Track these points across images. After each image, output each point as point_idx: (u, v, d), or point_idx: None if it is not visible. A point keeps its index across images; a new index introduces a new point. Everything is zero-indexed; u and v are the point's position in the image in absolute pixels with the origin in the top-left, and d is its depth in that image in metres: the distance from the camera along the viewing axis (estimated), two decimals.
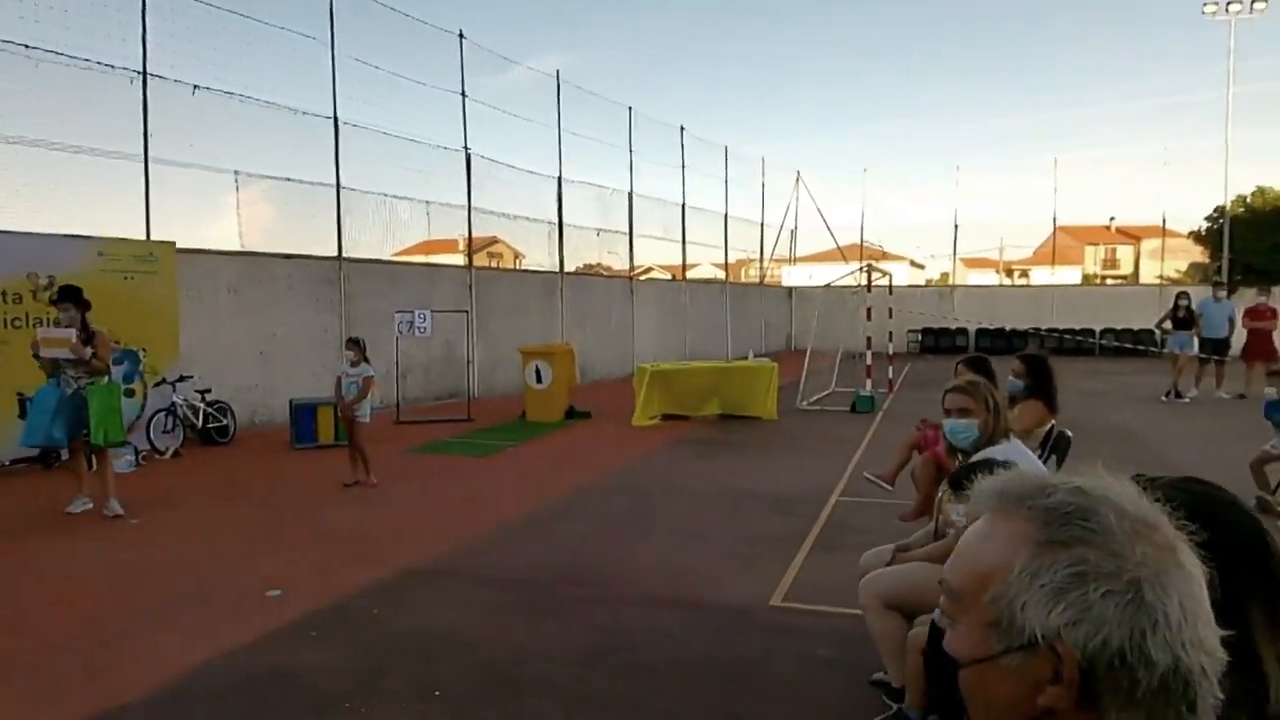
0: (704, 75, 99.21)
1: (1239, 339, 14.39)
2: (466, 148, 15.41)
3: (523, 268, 19.43)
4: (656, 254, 24.04)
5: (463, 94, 15.25)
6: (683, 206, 23.22)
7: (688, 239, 23.65)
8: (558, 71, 17.88)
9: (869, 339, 14.02)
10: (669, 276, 24.64)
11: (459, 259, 16.38)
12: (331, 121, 12.72)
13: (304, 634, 4.51)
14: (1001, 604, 0.86)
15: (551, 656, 4.25)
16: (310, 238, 12.78)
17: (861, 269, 15.42)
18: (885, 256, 32.10)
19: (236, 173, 11.97)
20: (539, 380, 12.23)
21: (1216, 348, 14.13)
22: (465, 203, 15.56)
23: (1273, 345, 13.66)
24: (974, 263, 38.58)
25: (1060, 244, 38.09)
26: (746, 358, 14.71)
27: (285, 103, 12.08)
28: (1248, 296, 15.19)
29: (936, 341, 26.76)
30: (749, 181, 27.79)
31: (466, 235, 15.95)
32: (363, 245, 13.61)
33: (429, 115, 15.24)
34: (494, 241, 21.58)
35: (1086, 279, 39.96)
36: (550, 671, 4.08)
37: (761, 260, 29.35)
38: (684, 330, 22.79)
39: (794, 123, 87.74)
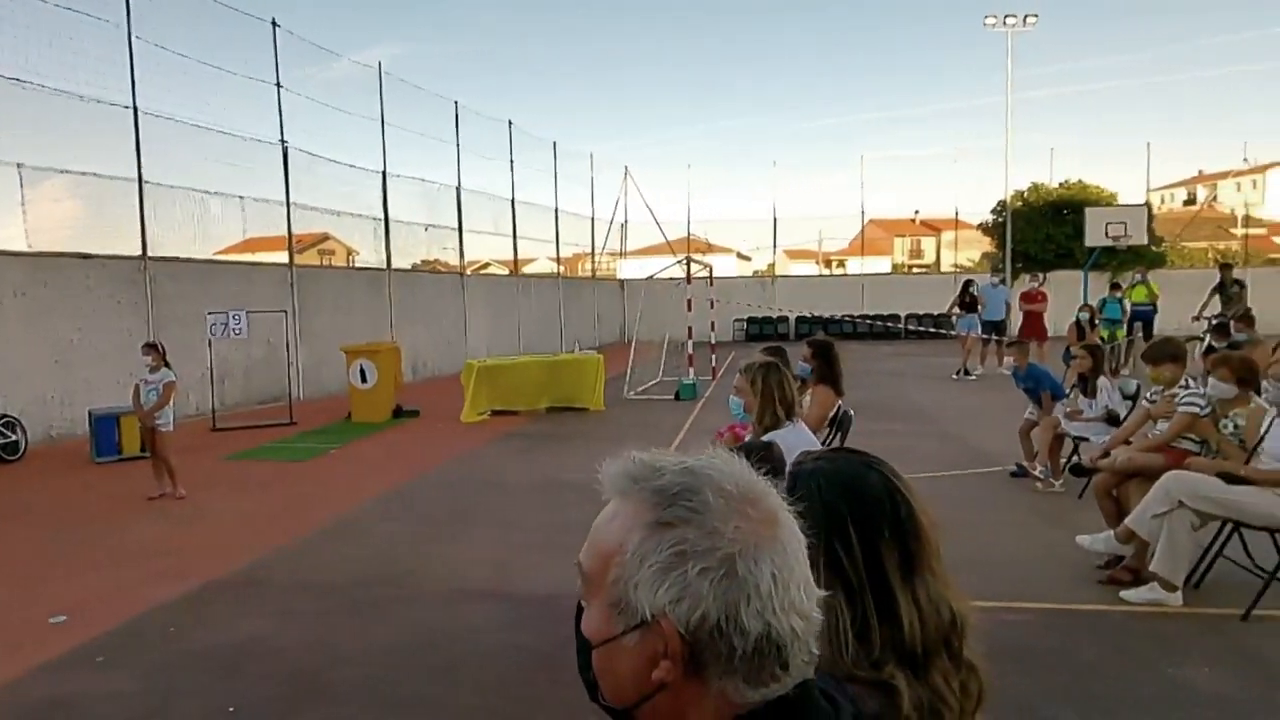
0: (532, 71, 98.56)
1: (1017, 320, 15.67)
2: (284, 141, 14.70)
3: (355, 265, 18.78)
4: (493, 249, 23.77)
5: (278, 85, 14.53)
6: (512, 201, 23.02)
7: (520, 234, 23.48)
8: (380, 64, 17.35)
9: (690, 329, 14.36)
10: (506, 271, 24.41)
11: (284, 256, 15.63)
12: (131, 111, 11.83)
13: (89, 661, 4.20)
14: (619, 586, 0.87)
15: (362, 660, 4.15)
16: (111, 236, 11.85)
17: (680, 261, 15.75)
18: (711, 249, 32.95)
19: (20, 166, 10.94)
20: (364, 380, 11.87)
21: (996, 328, 15.37)
22: (284, 198, 14.86)
23: (1043, 325, 14.95)
24: (796, 254, 40.09)
25: (871, 236, 40.07)
26: (574, 351, 14.79)
27: (77, 90, 11.13)
28: (1025, 282, 16.54)
29: (761, 330, 27.72)
30: (579, 177, 27.87)
31: (287, 232, 15.22)
32: (172, 243, 12.73)
33: (245, 108, 14.43)
34: (325, 238, 20.74)
35: (895, 268, 42.26)
36: (360, 675, 3.99)
37: (593, 254, 29.51)
38: (518, 325, 22.64)
39: (622, 120, 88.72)
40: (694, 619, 0.83)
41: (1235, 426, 4.85)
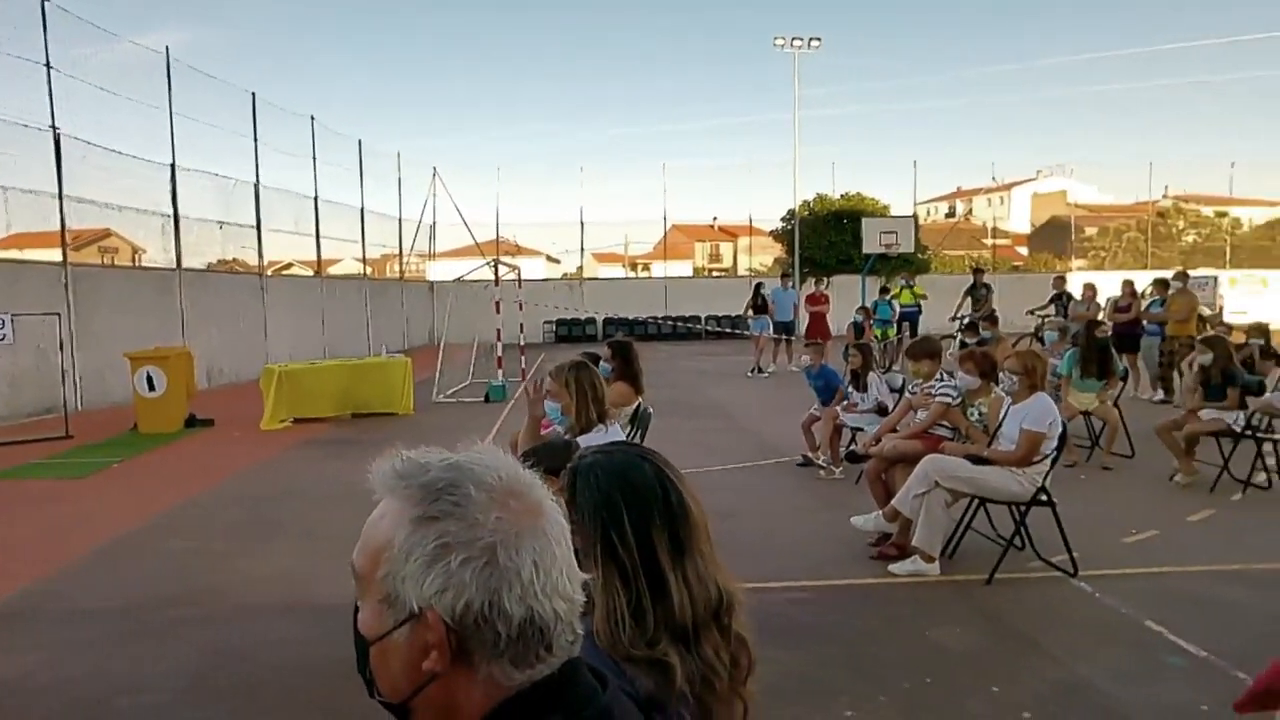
0: (335, 66, 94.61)
1: (804, 321, 16.61)
2: (55, 127, 13.32)
3: (143, 264, 17.28)
4: (295, 249, 22.56)
5: (47, 65, 13.12)
6: (315, 199, 21.98)
7: (324, 234, 22.43)
8: (167, 49, 16.04)
9: (499, 331, 14.26)
10: (310, 273, 23.25)
11: (57, 254, 14.12)
12: None
13: None
14: (389, 581, 0.89)
15: (154, 686, 3.85)
16: None
17: (489, 263, 15.62)
18: (521, 251, 32.84)
19: None
20: (151, 388, 10.98)
21: (785, 328, 16.27)
22: (56, 190, 13.47)
23: (827, 325, 15.94)
24: (603, 257, 40.59)
25: (674, 241, 41.09)
26: (382, 354, 14.34)
27: None
28: (810, 285, 17.56)
29: (570, 331, 27.87)
30: (386, 176, 26.99)
31: (60, 227, 13.79)
32: None
33: (8, 89, 12.95)
34: (106, 235, 18.93)
35: (696, 271, 43.70)
36: (151, 702, 3.71)
37: (401, 255, 28.69)
38: (322, 328, 21.65)
39: (430, 120, 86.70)
40: (459, 608, 0.86)
41: (980, 414, 5.39)
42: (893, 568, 5.01)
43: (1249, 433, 6.83)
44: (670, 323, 25.61)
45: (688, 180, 46.41)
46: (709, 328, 27.12)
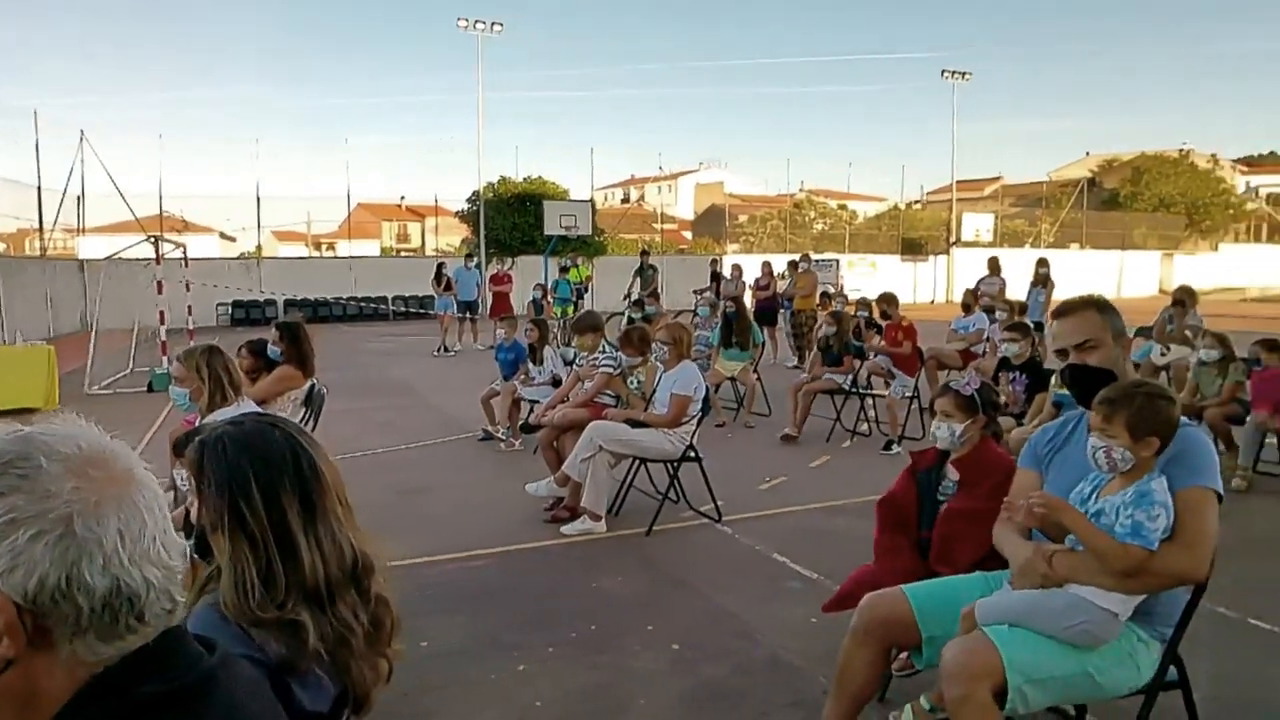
0: None
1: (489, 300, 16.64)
2: None
3: None
4: None
5: None
6: None
7: None
8: None
9: (162, 314, 12.82)
10: None
11: None
12: None
13: None
14: None
15: None
16: None
17: (150, 239, 13.95)
18: (189, 228, 29.67)
19: None
20: None
21: (469, 308, 16.24)
22: None
23: (510, 303, 16.09)
24: (285, 236, 37.77)
25: (361, 219, 39.30)
26: (16, 342, 12.31)
27: None
28: (495, 265, 17.61)
29: (247, 314, 25.65)
30: (20, 137, 23.06)
31: None
32: None
33: None
34: None
35: (384, 251, 42.08)
36: None
37: (42, 230, 24.71)
38: None
39: (79, 76, 75.11)
40: (31, 586, 0.79)
41: (638, 382, 5.75)
42: (565, 529, 5.21)
43: (855, 390, 7.93)
44: (357, 303, 24.49)
45: (374, 157, 44.47)
46: (397, 308, 26.28)
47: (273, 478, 1.42)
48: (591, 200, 28.60)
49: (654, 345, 5.53)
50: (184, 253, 15.60)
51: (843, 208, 41.11)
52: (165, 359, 12.58)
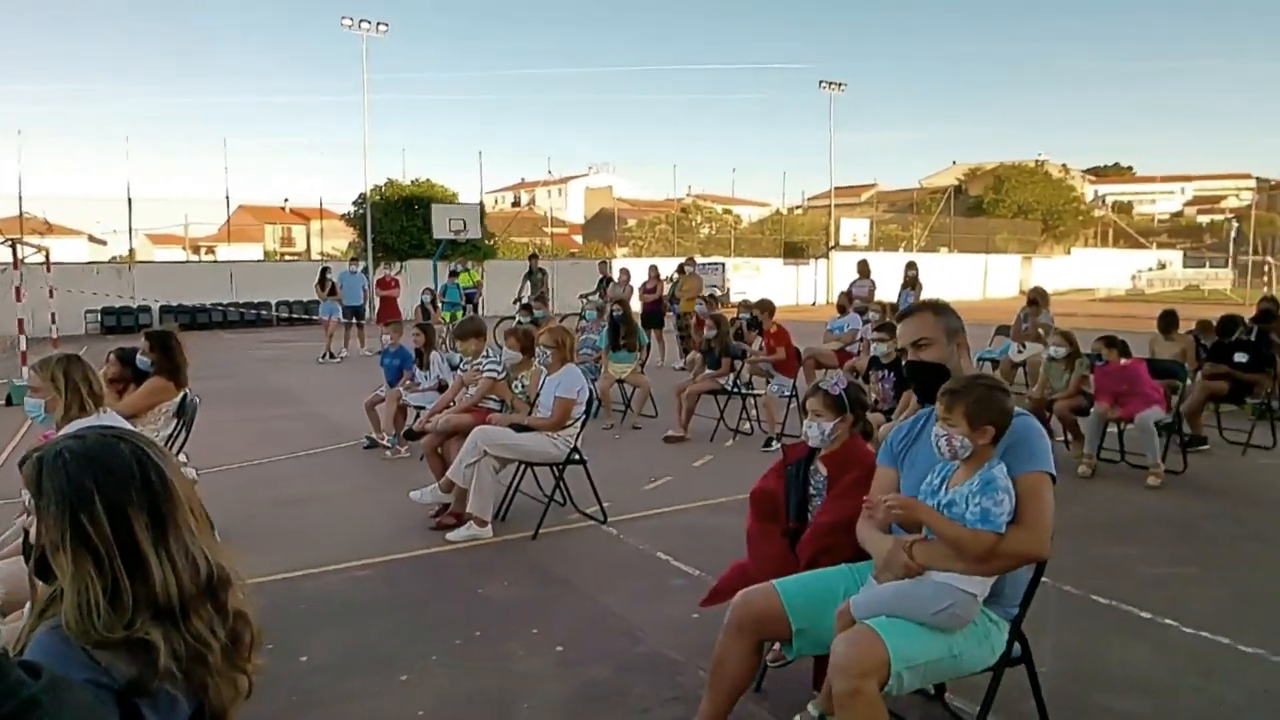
0: None
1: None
2: None
3: None
4: None
5: None
6: None
7: None
8: None
9: (21, 322, 11.94)
10: None
11: None
12: None
13: None
14: None
15: None
16: None
17: (6, 242, 12.97)
18: (53, 230, 27.81)
19: None
20: None
21: (356, 313, 15.77)
22: None
23: (397, 308, 15.72)
24: (161, 239, 35.86)
25: (242, 222, 37.69)
26: None
27: None
28: (382, 269, 17.15)
29: (119, 321, 24.14)
30: None
31: None
32: None
33: None
34: None
35: (268, 255, 40.39)
36: None
37: None
38: None
39: None
40: None
41: (522, 386, 5.70)
42: (450, 535, 5.12)
43: (737, 391, 8.09)
44: (238, 309, 23.45)
45: (255, 159, 42.64)
46: (281, 314, 25.26)
47: (118, 492, 1.34)
48: (481, 204, 28.21)
49: (538, 349, 5.49)
50: (46, 256, 14.62)
51: (728, 212, 41.93)
52: (24, 370, 11.73)
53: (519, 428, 5.26)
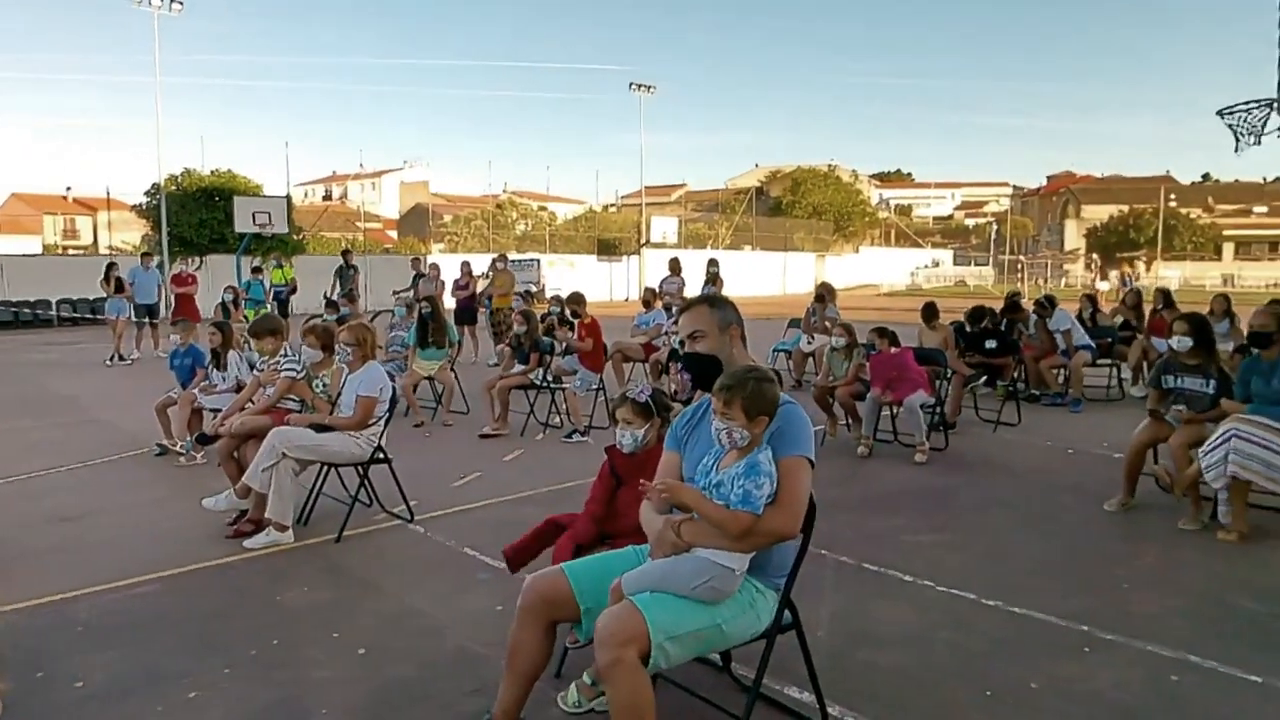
0: None
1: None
2: None
3: None
4: None
5: None
6: None
7: None
8: None
9: None
10: None
11: None
12: None
13: None
14: None
15: None
16: None
17: None
18: None
19: None
20: None
21: (149, 312, 14.46)
22: None
23: (195, 306, 14.56)
24: None
25: (17, 212, 33.83)
26: None
27: None
28: (178, 265, 15.83)
29: None
30: None
31: None
32: None
33: None
34: None
35: (47, 249, 36.25)
36: None
37: None
38: None
39: None
40: None
41: (324, 385, 5.45)
42: (248, 543, 4.82)
43: (546, 385, 8.11)
44: (12, 308, 20.91)
45: (32, 142, 38.04)
46: (63, 313, 22.77)
47: None
48: (288, 196, 26.64)
49: (338, 348, 5.26)
50: None
51: (543, 209, 41.87)
52: None
53: (320, 428, 5.02)
